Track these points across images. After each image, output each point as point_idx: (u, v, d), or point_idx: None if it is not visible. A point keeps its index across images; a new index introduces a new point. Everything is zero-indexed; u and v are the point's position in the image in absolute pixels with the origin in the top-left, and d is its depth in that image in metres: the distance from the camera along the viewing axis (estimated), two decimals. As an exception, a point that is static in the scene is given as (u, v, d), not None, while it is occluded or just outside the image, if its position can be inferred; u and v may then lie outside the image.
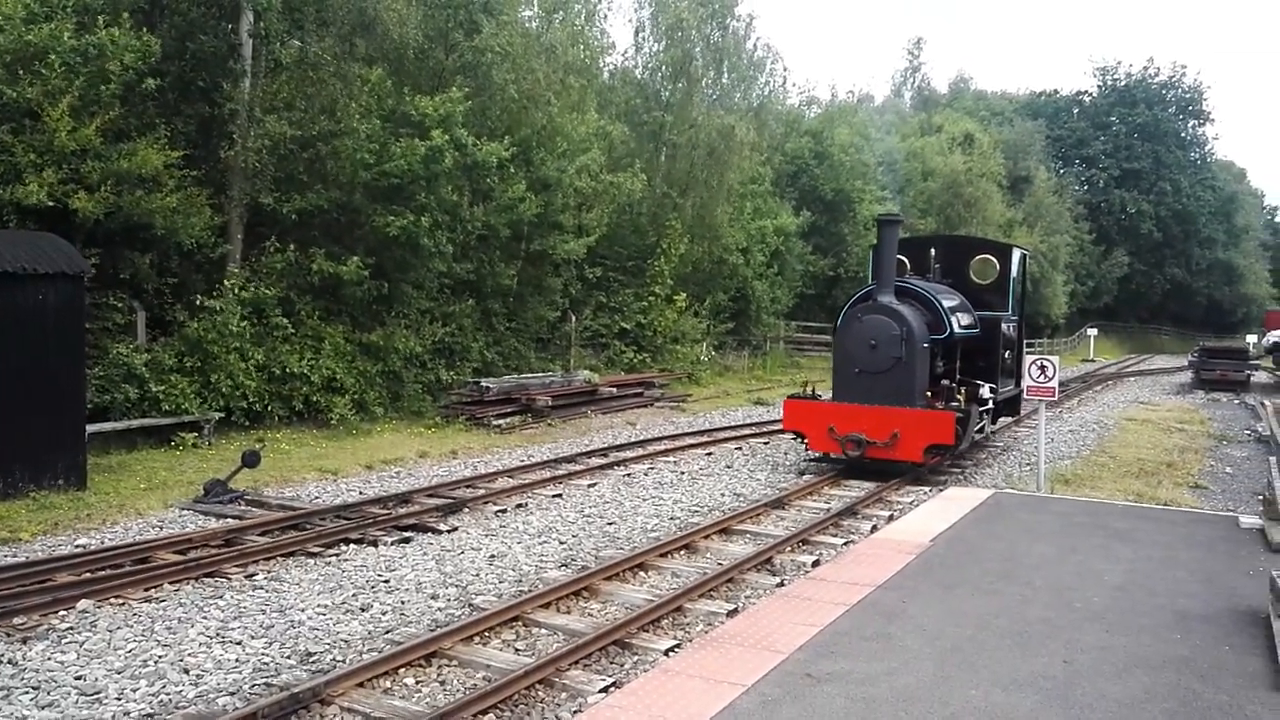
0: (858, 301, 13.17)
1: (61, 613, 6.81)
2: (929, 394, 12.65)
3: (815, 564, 8.52)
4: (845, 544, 9.29)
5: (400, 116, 17.53)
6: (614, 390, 20.23)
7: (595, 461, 13.79)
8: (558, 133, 20.99)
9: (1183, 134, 71.06)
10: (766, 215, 31.17)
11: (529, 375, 19.26)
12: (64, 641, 6.28)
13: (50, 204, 12.34)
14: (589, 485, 12.15)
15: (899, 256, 13.59)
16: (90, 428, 11.28)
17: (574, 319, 22.72)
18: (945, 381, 13.10)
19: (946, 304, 13.25)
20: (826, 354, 20.09)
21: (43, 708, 5.28)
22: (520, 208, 18.85)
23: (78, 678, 5.69)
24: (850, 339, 12.78)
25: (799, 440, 13.26)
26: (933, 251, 14.81)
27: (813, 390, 13.79)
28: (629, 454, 14.47)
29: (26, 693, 5.46)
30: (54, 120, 12.41)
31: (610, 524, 10.10)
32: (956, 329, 13.14)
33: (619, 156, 25.21)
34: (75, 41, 12.68)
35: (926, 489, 12.11)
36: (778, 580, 8.07)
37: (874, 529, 9.83)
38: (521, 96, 20.08)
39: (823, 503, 11.35)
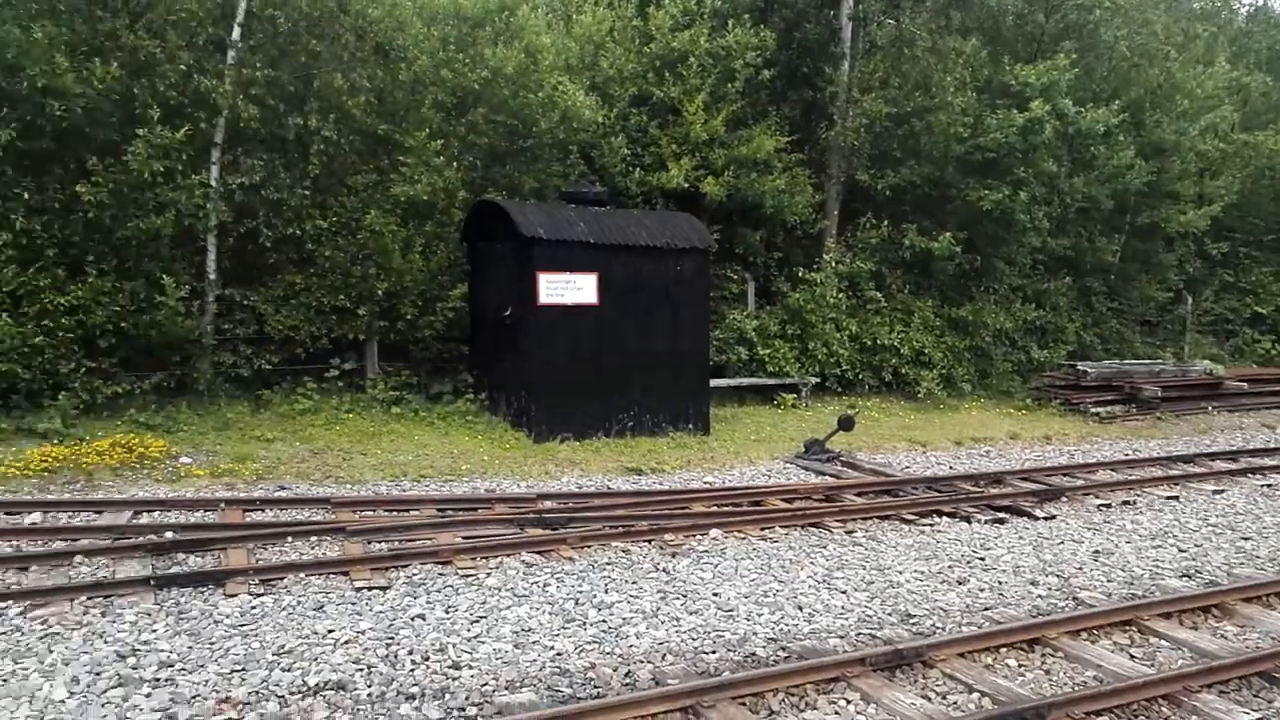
0: None
1: (698, 537, 7.87)
2: None
3: None
4: None
5: (996, 87, 16.95)
6: (1244, 385, 17.23)
7: (1221, 465, 11.90)
8: (1177, 90, 18.67)
9: None
10: None
11: (1132, 362, 17.44)
12: (701, 561, 7.24)
13: (685, 187, 14.32)
14: (1214, 491, 10.51)
15: None
16: (711, 382, 12.90)
17: (1191, 301, 20.08)
18: None
19: None
20: None
21: (691, 613, 6.14)
22: (1127, 176, 17.20)
23: (714, 594, 6.52)
24: None
25: None
26: None
27: None
28: (1268, 461, 12.18)
29: (678, 599, 6.40)
30: (690, 115, 14.35)
31: (1246, 539, 8.61)
32: None
33: (1257, 112, 21.57)
34: (709, 44, 14.49)
35: None
36: None
37: None
38: (1133, 53, 18.26)
39: None
